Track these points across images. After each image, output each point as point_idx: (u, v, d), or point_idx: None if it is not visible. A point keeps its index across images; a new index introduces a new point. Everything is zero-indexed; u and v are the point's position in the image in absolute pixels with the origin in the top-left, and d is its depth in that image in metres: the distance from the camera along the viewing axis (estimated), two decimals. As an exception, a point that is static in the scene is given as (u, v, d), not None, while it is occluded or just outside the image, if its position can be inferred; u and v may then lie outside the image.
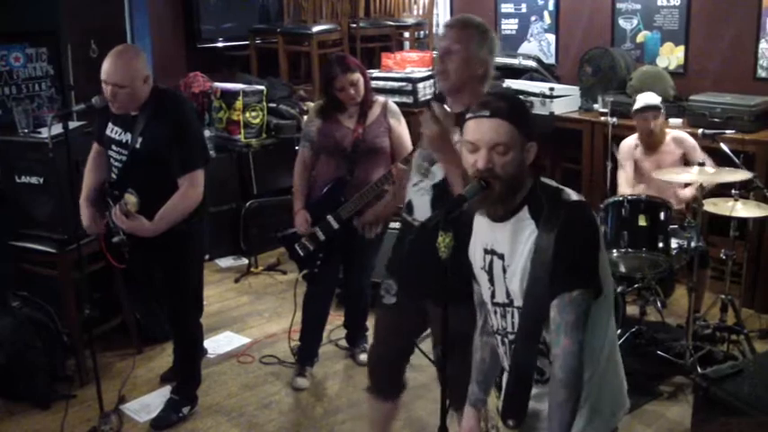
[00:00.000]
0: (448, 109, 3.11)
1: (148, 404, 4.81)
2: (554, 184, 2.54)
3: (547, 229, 2.37)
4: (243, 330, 5.75)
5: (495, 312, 2.61)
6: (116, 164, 4.32)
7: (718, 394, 3.27)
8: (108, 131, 4.34)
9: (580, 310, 2.35)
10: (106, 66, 4.10)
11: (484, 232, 2.59)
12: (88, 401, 4.70)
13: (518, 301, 2.49)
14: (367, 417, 4.19)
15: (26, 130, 4.99)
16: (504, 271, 2.50)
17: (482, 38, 3.27)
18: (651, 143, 5.62)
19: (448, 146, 3.06)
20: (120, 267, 4.63)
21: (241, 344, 5.55)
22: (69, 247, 4.77)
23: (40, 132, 4.91)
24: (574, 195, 2.47)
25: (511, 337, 2.57)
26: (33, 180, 4.86)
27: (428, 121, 3.06)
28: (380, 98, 4.97)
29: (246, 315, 5.99)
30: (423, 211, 3.39)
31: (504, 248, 2.50)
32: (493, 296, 2.60)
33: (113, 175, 4.36)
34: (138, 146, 4.20)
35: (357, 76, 4.69)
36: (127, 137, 4.25)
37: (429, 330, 5.23)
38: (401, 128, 4.88)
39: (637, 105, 5.64)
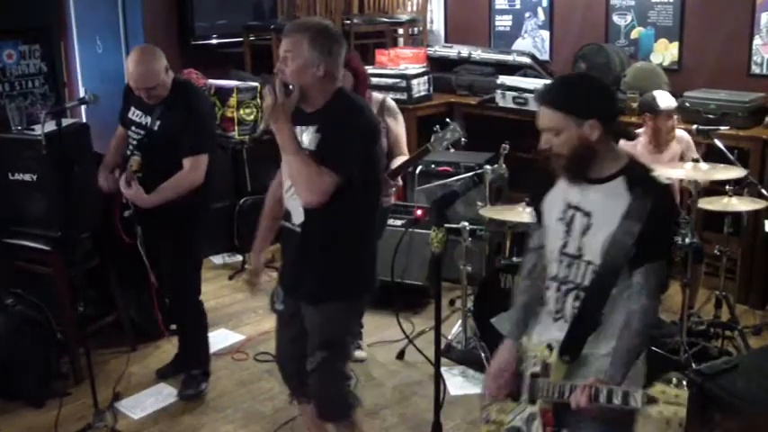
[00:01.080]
0: (291, 87, 3.27)
1: (143, 401, 4.81)
2: (646, 164, 2.86)
3: (639, 203, 2.67)
4: (237, 327, 5.74)
5: (561, 261, 2.87)
6: (133, 142, 4.59)
7: (712, 390, 3.27)
8: (130, 114, 4.65)
9: (660, 277, 2.76)
10: (132, 72, 4.44)
11: (571, 189, 2.84)
12: (82, 399, 4.69)
13: (589, 256, 2.78)
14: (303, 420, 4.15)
15: (19, 128, 4.98)
16: (588, 227, 2.78)
17: (314, 39, 3.31)
18: (665, 141, 5.53)
19: (283, 117, 3.25)
20: (127, 241, 4.76)
21: (236, 341, 5.55)
22: (63, 245, 4.77)
23: (33, 129, 4.90)
24: (663, 178, 2.80)
25: (570, 285, 2.84)
26: (27, 177, 4.85)
27: (269, 92, 3.25)
28: (378, 96, 4.93)
29: (241, 312, 5.98)
30: (298, 215, 3.45)
31: (593, 208, 2.78)
32: (564, 246, 2.85)
33: (128, 152, 4.61)
34: (155, 128, 4.51)
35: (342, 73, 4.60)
36: (147, 119, 4.55)
37: (426, 328, 5.24)
38: (398, 127, 4.86)
39: (664, 104, 5.39)
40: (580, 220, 2.80)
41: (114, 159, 4.76)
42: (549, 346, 2.88)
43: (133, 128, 4.60)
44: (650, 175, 2.78)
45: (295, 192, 3.40)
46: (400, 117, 4.90)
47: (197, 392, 4.86)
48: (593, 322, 2.80)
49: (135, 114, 4.61)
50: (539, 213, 3.01)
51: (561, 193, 2.88)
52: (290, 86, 3.28)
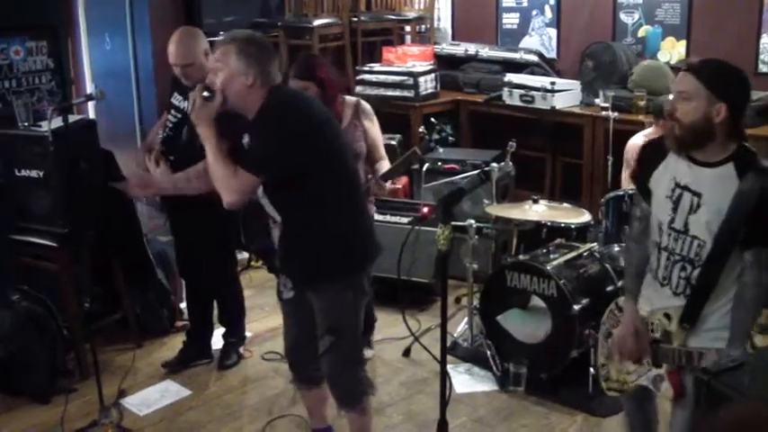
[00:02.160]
0: (213, 94, 3.44)
1: (149, 398, 4.82)
2: (754, 150, 3.05)
3: (748, 188, 2.89)
4: (244, 324, 5.74)
5: (669, 235, 3.11)
6: (169, 124, 4.80)
7: (718, 388, 3.26)
8: (172, 98, 4.83)
9: None
10: (172, 50, 4.60)
11: (680, 169, 3.06)
12: (88, 395, 4.69)
13: (694, 232, 3.02)
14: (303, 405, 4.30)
15: (26, 124, 4.98)
16: (698, 206, 3.00)
17: (240, 50, 3.44)
18: None
19: (203, 120, 3.45)
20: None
21: (241, 338, 5.54)
22: (69, 241, 4.79)
23: (40, 126, 4.90)
24: None
25: (677, 258, 3.09)
26: (33, 174, 4.85)
27: (193, 98, 3.47)
28: (352, 99, 4.86)
29: (247, 309, 5.96)
30: (276, 215, 3.66)
31: (704, 190, 2.99)
32: (671, 222, 3.09)
33: (164, 134, 4.80)
34: (189, 112, 4.46)
35: (306, 85, 4.41)
36: (184, 104, 4.61)
37: (431, 326, 5.23)
38: (375, 128, 4.79)
39: None
40: (689, 200, 3.02)
41: (155, 141, 4.89)
42: (667, 315, 3.14)
43: (172, 111, 4.78)
44: (759, 162, 2.98)
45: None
46: (375, 118, 4.82)
47: (237, 360, 5.20)
48: (707, 294, 3.04)
49: (175, 98, 4.77)
50: (646, 189, 3.21)
51: (670, 172, 3.10)
52: (208, 94, 3.43)
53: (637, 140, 5.70)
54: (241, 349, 5.25)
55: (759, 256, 2.97)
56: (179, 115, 4.73)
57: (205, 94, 3.43)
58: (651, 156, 3.22)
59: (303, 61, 4.66)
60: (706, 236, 3.00)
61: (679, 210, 3.06)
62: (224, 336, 5.25)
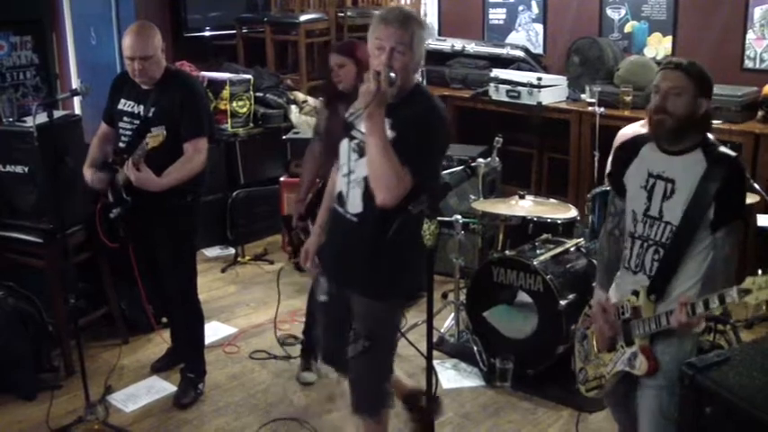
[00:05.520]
0: (393, 75, 3.16)
1: (135, 394, 4.80)
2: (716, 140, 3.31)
3: (714, 170, 3.13)
4: (230, 320, 5.73)
5: (645, 222, 3.30)
6: (127, 132, 4.50)
7: (704, 383, 3.27)
8: (120, 106, 4.54)
9: (738, 234, 3.26)
10: (130, 43, 4.35)
11: (653, 160, 3.29)
12: (74, 392, 4.68)
13: (668, 218, 3.22)
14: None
15: (11, 119, 4.95)
16: (672, 192, 3.22)
17: (422, 35, 3.32)
18: None
19: (382, 106, 3.14)
20: (111, 246, 4.72)
21: (228, 334, 5.53)
22: (55, 237, 4.76)
23: (24, 121, 4.87)
24: (731, 152, 3.26)
25: (651, 242, 3.28)
26: (18, 169, 4.83)
27: (374, 77, 3.13)
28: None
29: (233, 305, 5.97)
30: (355, 205, 3.39)
31: (676, 176, 3.21)
32: (647, 210, 3.29)
33: (121, 144, 4.52)
34: (150, 115, 4.42)
35: (343, 61, 4.53)
36: (139, 108, 4.46)
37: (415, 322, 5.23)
38: None
39: None
40: (662, 187, 3.24)
41: (100, 157, 4.65)
42: (635, 292, 3.30)
43: (125, 118, 4.50)
44: (722, 147, 3.24)
45: (356, 181, 3.35)
46: None
47: (195, 397, 4.76)
48: (675, 268, 3.24)
49: (126, 105, 4.51)
50: (621, 185, 3.42)
51: (644, 165, 3.32)
52: (394, 76, 3.17)
53: (627, 131, 5.68)
54: (201, 386, 4.83)
55: (728, 233, 3.17)
56: (136, 121, 4.46)
57: (392, 75, 3.14)
58: (624, 155, 3.44)
59: (347, 41, 4.69)
60: (679, 220, 3.21)
61: (654, 197, 3.27)
62: (182, 371, 4.86)
